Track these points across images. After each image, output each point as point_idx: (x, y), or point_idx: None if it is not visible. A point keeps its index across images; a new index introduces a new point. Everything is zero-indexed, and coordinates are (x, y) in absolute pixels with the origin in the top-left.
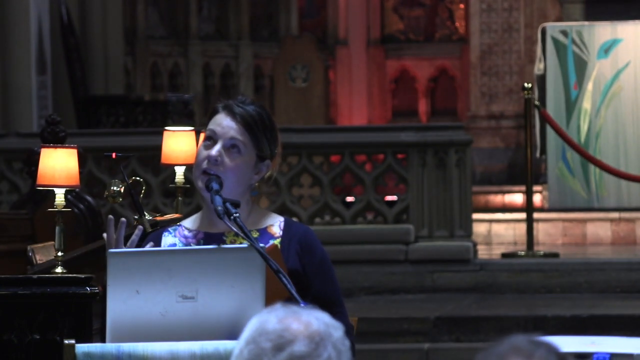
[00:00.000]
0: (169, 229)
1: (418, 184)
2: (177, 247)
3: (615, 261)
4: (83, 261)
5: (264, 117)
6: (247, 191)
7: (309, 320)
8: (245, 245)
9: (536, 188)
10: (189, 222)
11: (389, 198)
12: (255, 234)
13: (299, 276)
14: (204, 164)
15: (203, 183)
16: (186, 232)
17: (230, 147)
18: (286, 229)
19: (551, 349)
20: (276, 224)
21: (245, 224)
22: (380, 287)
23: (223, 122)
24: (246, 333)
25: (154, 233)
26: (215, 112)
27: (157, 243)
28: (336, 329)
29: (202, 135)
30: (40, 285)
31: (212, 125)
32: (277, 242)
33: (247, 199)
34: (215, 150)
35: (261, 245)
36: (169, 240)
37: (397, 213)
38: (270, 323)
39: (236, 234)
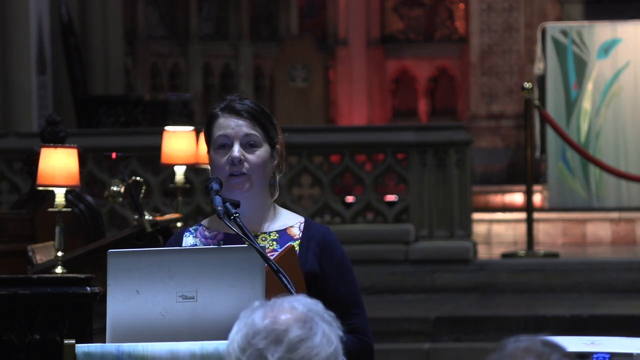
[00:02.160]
0: (190, 229)
1: (418, 184)
2: (177, 247)
3: (615, 261)
4: (83, 261)
5: (262, 106)
6: (268, 182)
7: (292, 306)
8: (245, 245)
9: (536, 188)
10: (209, 222)
11: (389, 198)
12: (274, 235)
13: (317, 278)
14: (227, 169)
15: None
16: (207, 233)
17: (247, 143)
18: (305, 230)
19: (565, 353)
20: (296, 226)
21: (265, 222)
22: (380, 287)
23: (231, 123)
24: (234, 342)
25: (175, 234)
26: (215, 118)
27: (178, 244)
28: (316, 304)
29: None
30: (40, 285)
31: (219, 131)
32: (296, 244)
33: (267, 191)
34: (236, 150)
35: (261, 245)
36: (189, 240)
37: (397, 213)
38: (257, 322)
39: (255, 235)
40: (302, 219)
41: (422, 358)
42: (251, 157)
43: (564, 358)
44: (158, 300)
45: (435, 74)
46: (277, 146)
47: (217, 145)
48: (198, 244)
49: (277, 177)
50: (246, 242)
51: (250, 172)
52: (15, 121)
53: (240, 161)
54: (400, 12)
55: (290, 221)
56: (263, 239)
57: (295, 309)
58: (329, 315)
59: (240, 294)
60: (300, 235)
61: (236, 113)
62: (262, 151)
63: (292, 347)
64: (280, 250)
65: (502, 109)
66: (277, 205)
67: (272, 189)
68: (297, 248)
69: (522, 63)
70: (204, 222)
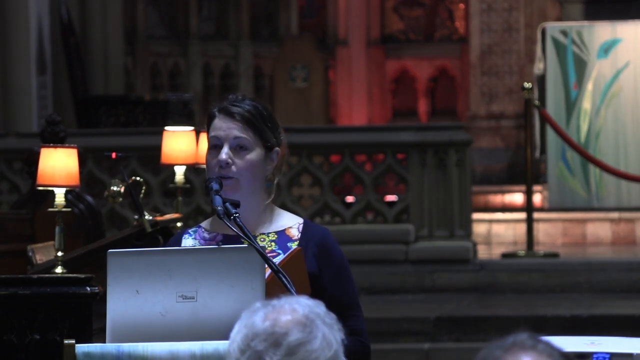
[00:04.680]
0: (190, 230)
1: (418, 184)
2: (177, 247)
3: (615, 261)
4: (83, 261)
5: (260, 109)
6: (264, 184)
7: (293, 308)
8: (245, 245)
9: (536, 188)
10: (208, 224)
11: (389, 198)
12: (273, 236)
13: (315, 279)
14: (216, 170)
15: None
16: (206, 234)
17: (237, 146)
18: (304, 231)
19: (552, 345)
20: (295, 227)
21: (262, 223)
22: (380, 287)
23: (223, 125)
24: (235, 342)
25: (174, 236)
26: (212, 118)
27: (178, 245)
28: (317, 306)
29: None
30: (40, 285)
31: (213, 132)
32: (294, 244)
33: (263, 192)
34: (224, 153)
35: (256, 244)
36: (189, 242)
37: (397, 213)
38: (257, 324)
39: (253, 236)
40: (301, 220)
41: (422, 358)
42: (239, 161)
43: (551, 349)
44: (158, 300)
45: (435, 74)
46: (276, 148)
47: (210, 145)
48: (197, 246)
49: (276, 180)
50: (246, 242)
51: (238, 176)
52: (15, 121)
53: (227, 164)
54: (400, 12)
55: (289, 222)
56: (261, 239)
57: (296, 311)
58: (330, 318)
59: (240, 294)
60: (299, 236)
61: (230, 115)
62: (253, 155)
63: (290, 351)
64: (287, 253)
65: (502, 109)
66: (275, 207)
67: (269, 191)
68: (302, 251)
69: (522, 63)
70: (203, 223)
